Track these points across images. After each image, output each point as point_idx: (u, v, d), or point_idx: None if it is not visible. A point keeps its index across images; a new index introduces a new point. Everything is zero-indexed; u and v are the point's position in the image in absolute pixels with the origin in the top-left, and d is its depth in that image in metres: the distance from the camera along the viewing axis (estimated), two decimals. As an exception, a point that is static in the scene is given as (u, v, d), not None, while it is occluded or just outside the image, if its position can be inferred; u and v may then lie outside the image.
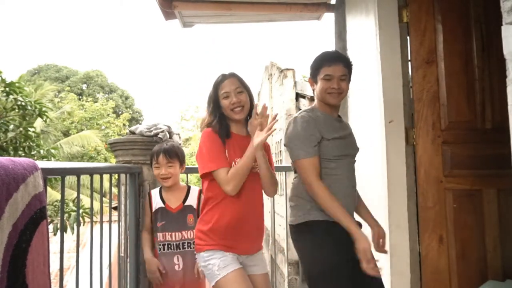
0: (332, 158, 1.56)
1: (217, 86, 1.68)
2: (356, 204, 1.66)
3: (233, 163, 1.61)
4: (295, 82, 6.35)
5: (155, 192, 2.03)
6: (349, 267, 1.42)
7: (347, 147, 1.63)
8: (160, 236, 1.95)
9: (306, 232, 1.56)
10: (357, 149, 1.70)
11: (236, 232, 1.59)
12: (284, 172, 2.80)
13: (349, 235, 1.43)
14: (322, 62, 1.61)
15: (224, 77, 1.68)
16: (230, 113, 1.64)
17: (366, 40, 2.25)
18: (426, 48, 2.02)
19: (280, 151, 6.88)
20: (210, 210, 1.61)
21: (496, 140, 1.78)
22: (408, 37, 2.07)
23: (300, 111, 1.68)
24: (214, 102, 1.68)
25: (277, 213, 6.61)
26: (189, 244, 1.94)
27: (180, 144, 2.33)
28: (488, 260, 1.90)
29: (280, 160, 6.94)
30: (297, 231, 1.59)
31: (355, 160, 1.68)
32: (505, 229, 1.90)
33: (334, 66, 1.59)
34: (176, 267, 1.92)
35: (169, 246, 1.94)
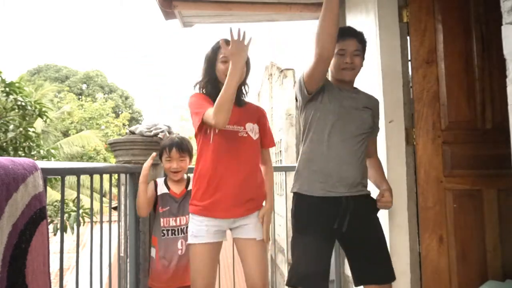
0: (322, 117, 1.58)
1: (216, 49, 1.69)
2: (360, 173, 1.60)
3: (228, 126, 1.64)
4: (295, 82, 6.35)
5: (160, 180, 2.05)
6: (309, 238, 1.53)
7: (344, 116, 1.59)
8: (163, 221, 1.95)
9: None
10: (359, 122, 1.60)
11: (217, 195, 1.63)
12: (284, 172, 2.79)
13: (317, 207, 1.55)
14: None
15: (226, 41, 1.63)
16: (224, 78, 1.59)
17: (366, 39, 2.24)
18: (426, 48, 2.02)
19: (280, 151, 6.88)
20: (196, 171, 1.71)
21: (496, 140, 1.78)
22: (408, 37, 2.07)
23: None
24: (210, 62, 1.70)
25: (277, 213, 6.61)
26: None
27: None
28: (488, 260, 1.90)
29: (280, 160, 6.94)
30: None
31: (363, 134, 1.61)
32: (505, 229, 1.90)
33: (347, 40, 1.61)
34: (179, 252, 1.92)
35: (173, 231, 1.95)
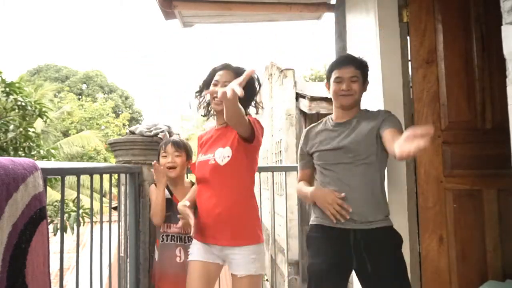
0: (322, 166, 1.70)
1: (214, 72, 1.75)
2: (363, 201, 1.59)
3: (198, 157, 1.75)
4: (295, 82, 6.35)
5: None
6: (323, 269, 1.56)
7: (339, 156, 1.64)
8: (164, 226, 1.96)
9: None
10: (357, 154, 1.61)
11: (200, 223, 1.68)
12: (284, 172, 2.79)
13: (331, 240, 1.60)
14: (333, 65, 1.72)
15: (222, 67, 1.74)
16: (211, 100, 1.73)
17: (366, 40, 2.24)
18: (426, 48, 2.02)
19: (280, 151, 6.88)
20: None
21: (496, 140, 1.78)
22: (408, 37, 2.07)
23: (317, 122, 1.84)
24: (206, 85, 1.77)
25: (277, 213, 6.61)
26: (191, 238, 1.94)
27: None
28: (488, 260, 1.90)
29: (280, 160, 6.94)
30: None
31: (358, 162, 1.61)
32: (505, 229, 1.90)
33: (344, 68, 1.67)
34: (178, 259, 1.92)
35: (172, 237, 1.94)
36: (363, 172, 1.59)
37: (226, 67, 1.74)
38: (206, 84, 1.77)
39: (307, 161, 1.79)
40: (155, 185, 2.01)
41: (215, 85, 1.70)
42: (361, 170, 1.59)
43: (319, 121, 1.82)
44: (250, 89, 1.68)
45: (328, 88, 1.75)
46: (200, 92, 1.83)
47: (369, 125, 1.63)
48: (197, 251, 1.70)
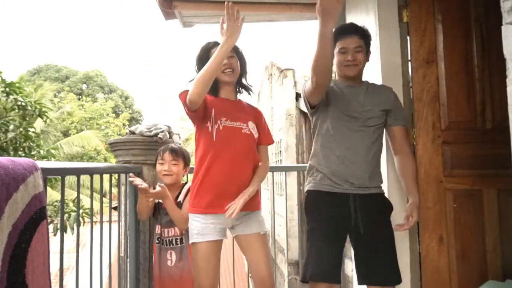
0: (332, 118, 1.66)
1: (209, 49, 1.72)
2: (369, 171, 1.64)
3: (219, 122, 1.65)
4: (295, 82, 6.35)
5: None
6: (323, 235, 1.60)
7: (350, 117, 1.64)
8: (158, 228, 1.97)
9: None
10: (367, 119, 1.64)
11: (221, 191, 1.63)
12: (284, 172, 2.79)
13: (331, 204, 1.62)
14: (337, 35, 1.63)
15: (217, 43, 1.69)
16: (220, 75, 1.67)
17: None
18: (426, 48, 2.02)
19: (280, 151, 6.88)
20: (199, 168, 1.68)
21: (496, 140, 1.78)
22: (408, 37, 2.07)
23: None
24: (204, 62, 1.64)
25: (277, 213, 6.60)
26: (181, 240, 1.94)
27: (180, 144, 2.32)
28: (488, 260, 1.90)
29: (280, 160, 6.94)
30: None
31: (366, 128, 1.65)
32: (505, 229, 1.90)
33: (348, 38, 1.64)
34: (169, 263, 1.93)
35: (163, 241, 1.95)
36: (368, 138, 1.64)
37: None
38: (202, 62, 1.67)
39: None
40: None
41: None
42: (367, 136, 1.64)
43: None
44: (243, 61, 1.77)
45: None
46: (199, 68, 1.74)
47: (379, 98, 1.69)
48: (212, 230, 1.63)
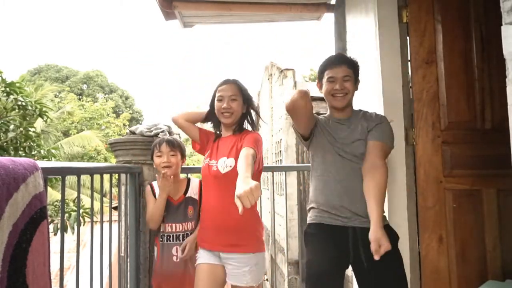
0: (319, 155, 1.69)
1: (216, 88, 1.83)
2: (361, 198, 1.59)
3: (205, 161, 1.80)
4: (295, 82, 6.35)
5: (156, 184, 2.03)
6: (322, 268, 1.51)
7: (339, 150, 1.64)
8: (161, 226, 1.96)
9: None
10: (356, 151, 1.64)
11: (202, 223, 1.81)
12: (284, 172, 2.80)
13: (330, 238, 1.57)
14: (326, 65, 1.71)
15: (224, 82, 1.82)
16: (219, 116, 1.80)
17: (366, 40, 2.25)
18: (426, 48, 2.02)
19: (280, 151, 6.88)
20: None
21: (496, 140, 1.78)
22: (408, 37, 2.07)
23: None
24: (212, 102, 1.84)
25: (277, 213, 6.61)
26: (188, 235, 1.95)
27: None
28: (488, 260, 1.90)
29: (280, 160, 6.94)
30: None
31: (355, 162, 1.64)
32: (505, 229, 1.90)
33: (336, 68, 1.67)
34: (174, 258, 1.93)
35: (169, 237, 1.95)
36: (357, 171, 1.61)
37: (227, 81, 1.82)
38: (212, 104, 1.83)
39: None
40: (151, 187, 2.01)
41: (220, 100, 1.77)
42: (356, 168, 1.62)
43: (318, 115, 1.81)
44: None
45: (320, 87, 1.75)
46: (210, 114, 1.88)
47: (363, 126, 1.68)
48: (203, 255, 1.75)
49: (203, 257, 1.75)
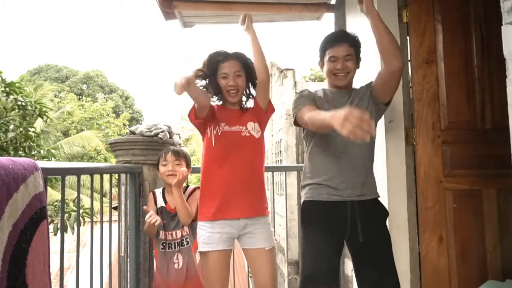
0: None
1: (216, 64, 1.72)
2: (362, 171, 1.61)
3: (218, 127, 1.69)
4: (295, 82, 6.35)
5: (158, 191, 2.04)
6: (319, 247, 1.53)
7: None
8: (162, 234, 1.96)
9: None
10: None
11: (225, 197, 1.65)
12: (284, 172, 2.80)
13: (327, 214, 1.56)
14: (327, 43, 1.66)
15: (225, 58, 1.73)
16: (225, 94, 1.73)
17: (366, 40, 2.24)
18: (426, 48, 2.02)
19: (280, 151, 6.88)
20: (202, 176, 1.72)
21: (496, 140, 1.78)
22: (408, 37, 2.07)
23: None
24: (211, 76, 1.73)
25: (277, 213, 6.61)
26: (186, 240, 1.95)
27: (180, 144, 2.33)
28: (488, 260, 1.90)
29: (280, 160, 6.94)
30: None
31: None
32: (505, 229, 1.90)
33: (337, 46, 1.62)
34: (176, 265, 1.92)
35: (170, 245, 1.95)
36: (362, 144, 1.56)
37: (229, 56, 1.73)
38: (211, 77, 1.73)
39: (313, 103, 1.61)
40: (153, 194, 2.01)
41: (225, 77, 1.70)
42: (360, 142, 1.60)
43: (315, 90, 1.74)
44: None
45: (321, 66, 1.70)
46: (208, 82, 1.76)
47: (364, 101, 1.65)
48: (218, 239, 1.64)
49: (219, 242, 1.64)
